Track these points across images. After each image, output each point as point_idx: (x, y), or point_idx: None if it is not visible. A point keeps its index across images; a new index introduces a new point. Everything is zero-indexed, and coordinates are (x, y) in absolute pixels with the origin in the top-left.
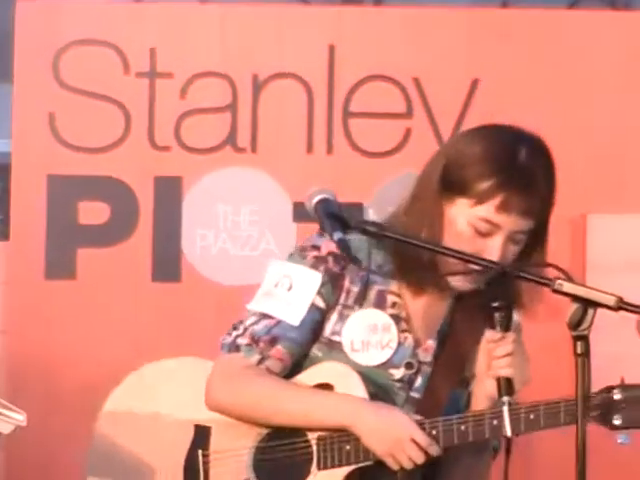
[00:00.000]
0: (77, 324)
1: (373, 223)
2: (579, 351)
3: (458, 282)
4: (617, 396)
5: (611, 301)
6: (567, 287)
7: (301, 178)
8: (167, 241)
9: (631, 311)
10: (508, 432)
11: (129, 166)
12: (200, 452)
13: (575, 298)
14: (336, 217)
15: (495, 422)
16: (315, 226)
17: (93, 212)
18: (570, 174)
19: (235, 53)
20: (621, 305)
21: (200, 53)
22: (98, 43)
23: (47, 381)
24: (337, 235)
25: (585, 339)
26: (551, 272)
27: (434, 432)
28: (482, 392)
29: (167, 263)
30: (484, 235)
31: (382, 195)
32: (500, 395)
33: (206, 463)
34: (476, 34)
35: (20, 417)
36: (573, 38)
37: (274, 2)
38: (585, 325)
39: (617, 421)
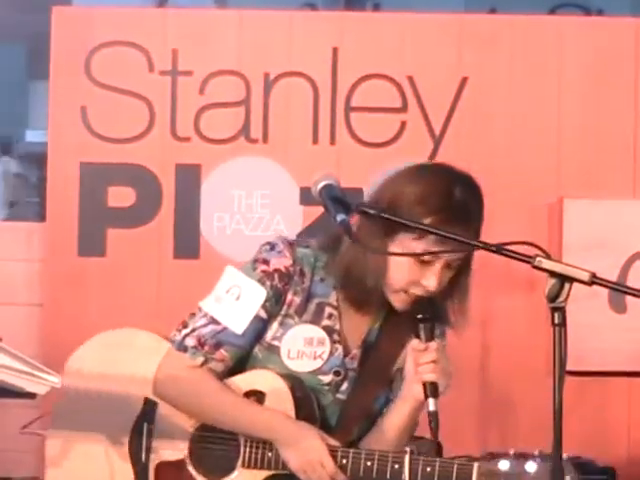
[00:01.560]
0: (106, 297)
1: (371, 206)
2: (556, 321)
3: (400, 304)
4: (504, 468)
5: (585, 276)
6: (546, 264)
7: (307, 166)
8: (187, 222)
9: (603, 285)
10: (406, 479)
11: (153, 155)
12: (145, 424)
13: (553, 274)
14: (339, 200)
15: (396, 466)
16: (320, 209)
17: (121, 196)
18: (548, 161)
19: (249, 54)
20: (594, 280)
21: (217, 53)
22: (126, 44)
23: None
24: (340, 217)
25: (562, 310)
26: (530, 251)
27: (344, 461)
28: (410, 394)
29: (187, 242)
30: (425, 264)
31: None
32: (426, 397)
33: (149, 436)
34: (465, 37)
35: (55, 379)
36: (551, 40)
37: (285, 8)
38: (562, 298)
39: None
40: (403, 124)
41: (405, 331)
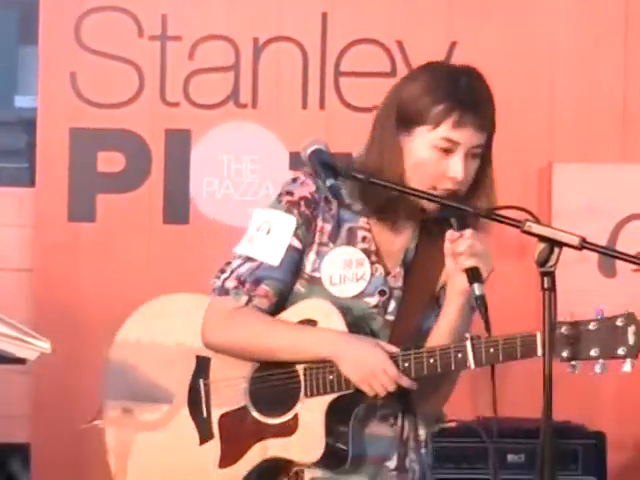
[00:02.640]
0: (97, 262)
1: (365, 172)
2: (546, 286)
3: (430, 205)
4: (566, 332)
5: (575, 241)
6: (535, 228)
7: (296, 131)
8: (177, 187)
9: (593, 250)
10: (472, 365)
11: (143, 120)
12: (201, 381)
13: (542, 238)
14: (328, 165)
15: (460, 355)
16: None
17: (110, 162)
18: (538, 126)
19: (238, 19)
20: (584, 245)
21: (207, 19)
22: (115, 9)
23: (70, 313)
24: (329, 181)
25: (551, 275)
26: (520, 215)
27: (406, 364)
28: (454, 290)
29: (177, 207)
30: (446, 153)
31: None
32: (470, 283)
33: (207, 391)
34: (455, 1)
35: (45, 345)
36: (543, 4)
37: None
38: (551, 262)
39: (565, 354)
40: None
41: (441, 248)
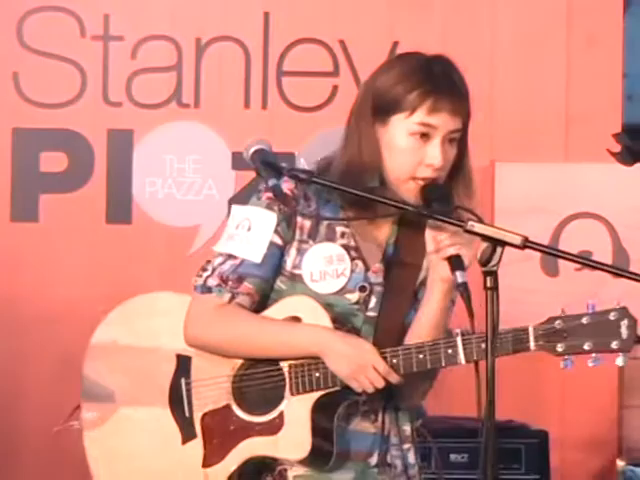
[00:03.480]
0: (40, 262)
1: (303, 170)
2: (489, 285)
3: (412, 194)
4: (559, 326)
5: (517, 240)
6: (478, 228)
7: (239, 131)
8: (119, 187)
9: (536, 249)
10: (462, 360)
11: (85, 120)
12: (183, 380)
13: (485, 238)
14: (271, 165)
15: (450, 351)
16: (252, 173)
17: (53, 161)
18: (480, 125)
19: (180, 19)
20: (526, 244)
21: (149, 18)
22: (57, 9)
23: (11, 313)
24: (272, 181)
25: (494, 274)
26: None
27: (394, 360)
28: (437, 279)
29: (119, 207)
30: (423, 140)
31: (312, 145)
32: (452, 271)
33: (189, 390)
34: (397, 0)
35: None
36: (484, 3)
37: None
38: (494, 262)
39: (560, 348)
40: (335, 88)
41: (421, 242)
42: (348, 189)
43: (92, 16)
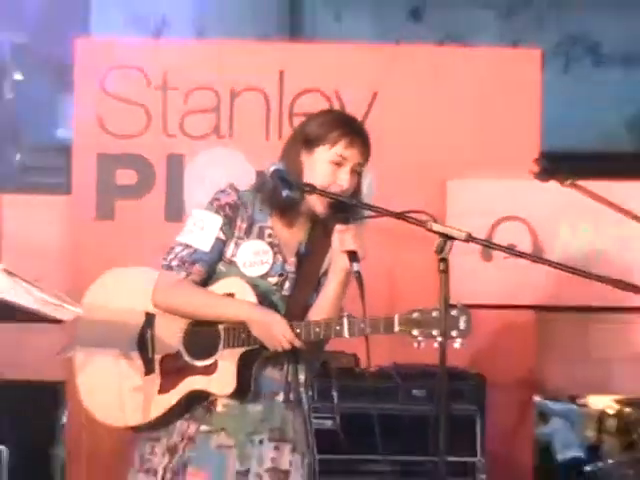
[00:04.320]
0: (114, 249)
1: (307, 184)
2: (441, 269)
3: (323, 207)
4: (416, 316)
5: (462, 236)
6: (435, 227)
7: (261, 156)
8: (174, 195)
9: (476, 242)
10: (347, 335)
11: (150, 147)
12: (149, 331)
13: (439, 234)
14: (284, 180)
15: (338, 328)
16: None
17: (126, 177)
18: (434, 149)
19: (219, 74)
20: (469, 238)
21: (196, 74)
22: (130, 67)
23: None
24: (285, 192)
25: (446, 261)
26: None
27: (298, 330)
28: (337, 268)
29: (174, 209)
30: (338, 166)
31: None
32: (351, 263)
33: (152, 338)
34: (378, 63)
35: (79, 310)
36: (432, 68)
37: (244, 38)
38: (445, 252)
39: (415, 332)
40: None
41: (326, 243)
42: (349, 200)
43: (155, 72)
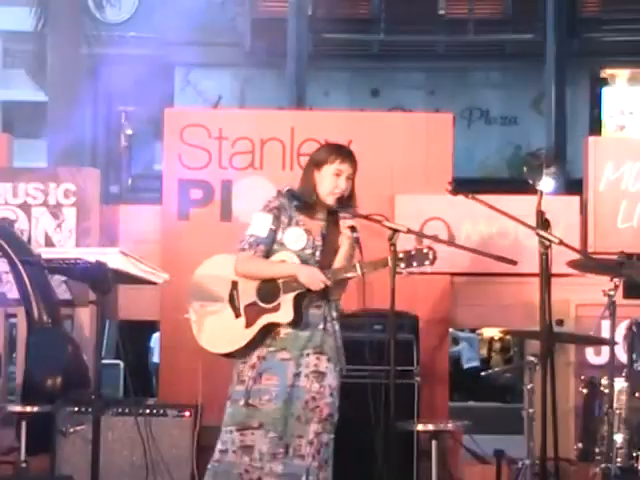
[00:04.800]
0: (189, 240)
1: (310, 197)
2: (392, 250)
3: (332, 201)
4: (402, 255)
5: (404, 229)
6: (387, 224)
7: (281, 181)
8: (226, 205)
9: (413, 233)
10: (359, 272)
11: (210, 175)
12: (235, 291)
13: (390, 228)
14: (295, 196)
15: (353, 269)
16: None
17: (196, 194)
18: (389, 176)
19: (253, 129)
20: (408, 231)
21: (238, 129)
22: (198, 125)
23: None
24: (295, 202)
25: (394, 245)
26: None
27: (329, 275)
28: (345, 237)
29: (226, 213)
30: (337, 177)
31: None
32: (352, 232)
33: (237, 295)
34: (351, 123)
35: (166, 276)
36: (375, 126)
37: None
38: (394, 239)
39: (402, 265)
40: None
41: (337, 228)
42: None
43: (214, 128)
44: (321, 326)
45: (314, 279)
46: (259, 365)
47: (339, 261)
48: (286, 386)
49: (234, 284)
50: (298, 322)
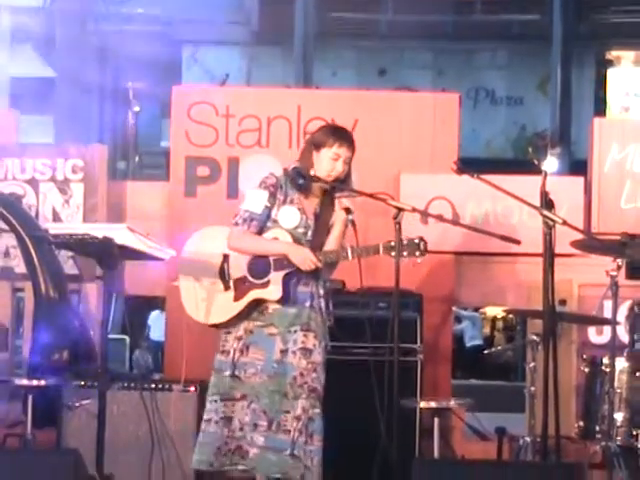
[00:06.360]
0: (196, 215)
1: (315, 177)
2: (397, 229)
3: (326, 185)
4: (405, 243)
5: (409, 208)
6: (392, 202)
7: (286, 158)
8: (232, 182)
9: (417, 212)
10: (350, 257)
11: (218, 152)
12: (225, 264)
13: (395, 207)
14: (300, 174)
15: (344, 253)
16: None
17: (203, 171)
18: (395, 155)
19: (260, 107)
20: (413, 210)
21: (246, 106)
22: (205, 103)
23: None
24: (300, 180)
25: (399, 224)
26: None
27: (320, 257)
28: (339, 218)
29: (232, 190)
30: (334, 160)
31: None
32: (347, 214)
33: (228, 269)
34: (357, 102)
35: (173, 252)
36: (382, 106)
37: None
38: (399, 218)
39: (405, 253)
40: None
41: (331, 209)
42: (353, 188)
43: (221, 106)
44: (308, 303)
45: (305, 260)
46: (246, 338)
47: (330, 243)
48: (272, 361)
49: (225, 257)
50: (286, 300)
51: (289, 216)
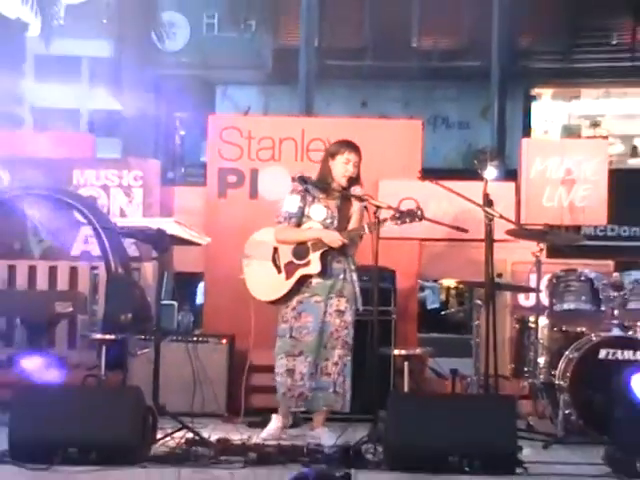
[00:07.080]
0: (227, 211)
1: (319, 181)
2: (376, 222)
3: (345, 182)
4: (396, 214)
5: (385, 206)
6: (372, 201)
7: (294, 169)
8: (254, 186)
9: (392, 209)
10: (367, 232)
11: (244, 165)
12: (276, 254)
13: (374, 205)
14: (304, 180)
15: (362, 229)
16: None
17: (232, 179)
18: (375, 166)
19: (274, 129)
20: (388, 207)
21: (262, 130)
22: (234, 128)
23: (219, 241)
24: (305, 186)
25: (378, 217)
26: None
27: (344, 236)
28: (356, 206)
29: (254, 192)
30: (346, 164)
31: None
32: (360, 202)
33: (278, 256)
34: (346, 127)
35: (209, 239)
36: (365, 130)
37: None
38: (379, 213)
39: (391, 221)
40: None
41: (348, 203)
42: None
43: (244, 129)
44: (341, 276)
45: (334, 239)
46: (298, 307)
47: (352, 225)
48: (319, 322)
49: (275, 249)
50: (325, 272)
51: (318, 211)
